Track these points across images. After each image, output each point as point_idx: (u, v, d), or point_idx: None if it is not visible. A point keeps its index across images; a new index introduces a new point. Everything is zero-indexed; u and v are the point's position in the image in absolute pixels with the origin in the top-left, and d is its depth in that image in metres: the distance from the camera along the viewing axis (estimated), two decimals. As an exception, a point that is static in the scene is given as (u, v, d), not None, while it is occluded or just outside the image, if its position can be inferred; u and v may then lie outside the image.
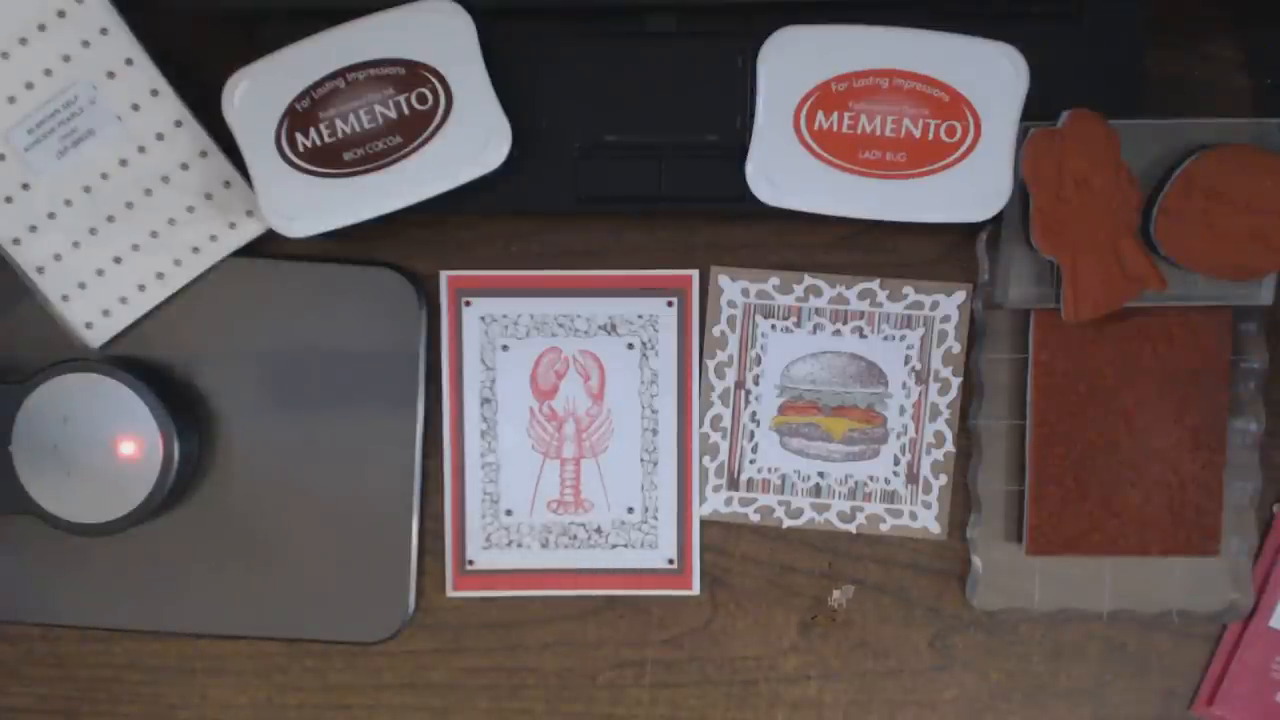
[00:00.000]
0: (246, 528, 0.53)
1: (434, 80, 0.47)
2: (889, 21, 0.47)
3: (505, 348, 0.53)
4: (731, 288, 0.53)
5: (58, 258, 0.51)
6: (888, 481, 0.53)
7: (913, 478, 0.53)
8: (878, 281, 0.52)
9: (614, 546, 0.54)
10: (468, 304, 0.53)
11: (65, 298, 0.51)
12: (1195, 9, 0.51)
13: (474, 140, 0.48)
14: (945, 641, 0.54)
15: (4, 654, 0.55)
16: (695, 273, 0.53)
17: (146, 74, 0.49)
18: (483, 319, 0.53)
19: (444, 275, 0.53)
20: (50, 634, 0.55)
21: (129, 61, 0.49)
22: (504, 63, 0.48)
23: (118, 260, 0.51)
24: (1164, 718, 0.54)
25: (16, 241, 0.50)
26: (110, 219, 0.50)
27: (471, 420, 0.53)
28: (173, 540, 0.53)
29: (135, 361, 0.52)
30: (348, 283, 0.52)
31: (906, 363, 0.53)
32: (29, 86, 0.49)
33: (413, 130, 0.48)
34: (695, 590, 0.54)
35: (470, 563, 0.54)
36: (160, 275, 0.51)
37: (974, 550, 0.53)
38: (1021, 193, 0.48)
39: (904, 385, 0.53)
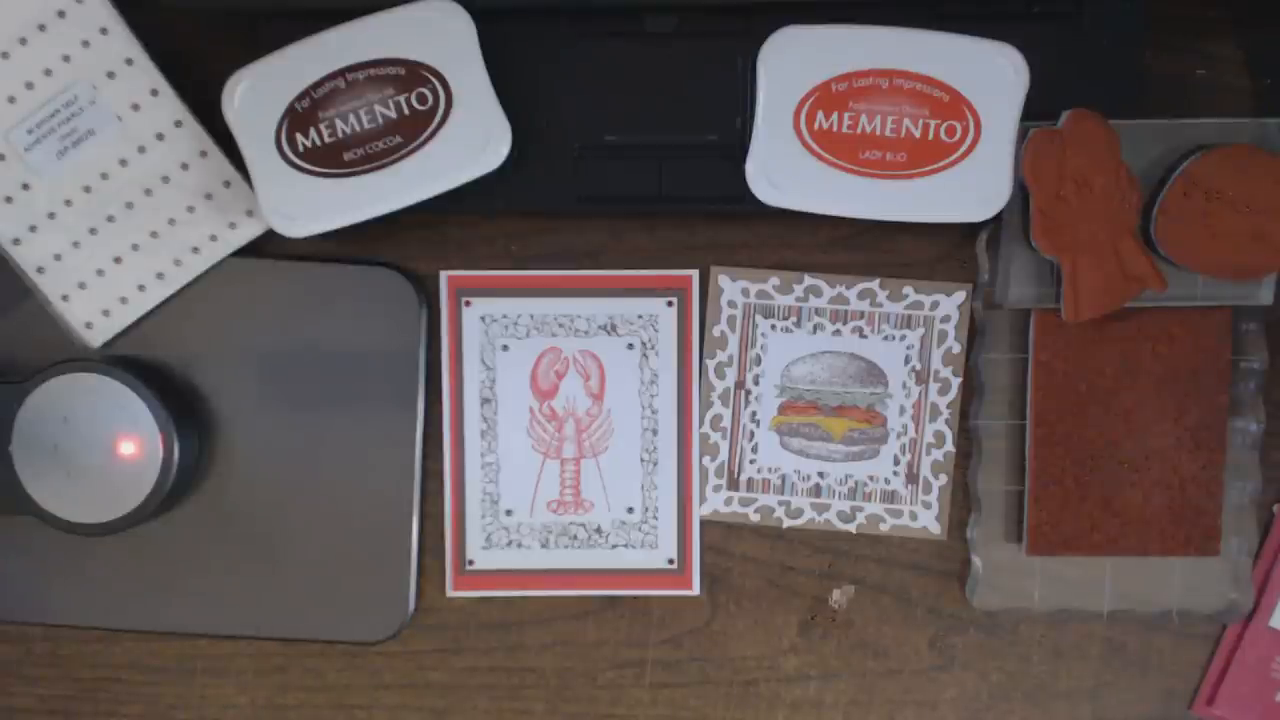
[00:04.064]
0: (246, 528, 0.53)
1: (434, 80, 0.47)
2: (889, 21, 0.47)
3: (505, 348, 0.53)
4: (731, 288, 0.53)
5: (58, 258, 0.51)
6: (888, 481, 0.53)
7: (913, 478, 0.53)
8: (878, 281, 0.52)
9: (614, 546, 0.54)
10: (468, 304, 0.53)
11: (65, 298, 0.51)
12: (1195, 9, 0.51)
13: (474, 140, 0.48)
14: (945, 641, 0.54)
15: (4, 654, 0.55)
16: (695, 273, 0.53)
17: (146, 74, 0.49)
18: (483, 319, 0.53)
19: (444, 275, 0.53)
20: (50, 634, 0.55)
21: (129, 61, 0.49)
22: (504, 63, 0.48)
23: (118, 260, 0.51)
24: (1164, 718, 0.54)
25: (16, 241, 0.50)
26: (110, 219, 0.50)
27: (471, 420, 0.53)
28: (173, 540, 0.53)
29: (135, 361, 0.52)
30: (348, 283, 0.52)
31: (906, 363, 0.53)
32: (29, 86, 0.49)
33: (413, 130, 0.48)
34: (695, 590, 0.54)
35: (470, 563, 0.54)
36: (160, 275, 0.51)
37: (974, 550, 0.53)
38: (1021, 193, 0.48)
39: (904, 385, 0.53)
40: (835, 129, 0.47)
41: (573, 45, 0.49)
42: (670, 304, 0.53)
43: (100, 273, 0.51)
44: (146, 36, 0.49)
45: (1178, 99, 0.51)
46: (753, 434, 0.53)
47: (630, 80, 0.49)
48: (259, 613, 0.53)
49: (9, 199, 0.50)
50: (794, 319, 0.53)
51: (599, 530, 0.54)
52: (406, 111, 0.47)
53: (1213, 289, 0.49)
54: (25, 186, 0.50)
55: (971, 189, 0.48)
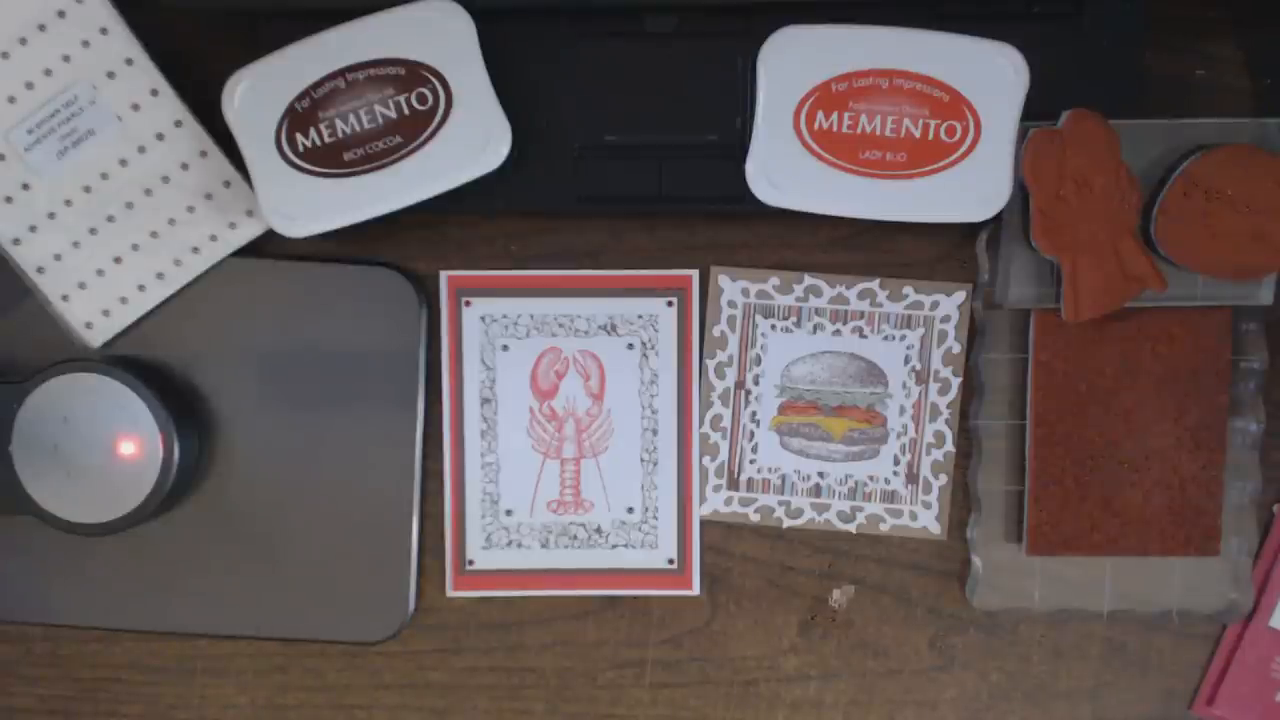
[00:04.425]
0: (246, 528, 0.53)
1: (434, 80, 0.47)
2: (889, 21, 0.47)
3: (505, 348, 0.53)
4: (731, 288, 0.53)
5: (58, 258, 0.51)
6: (888, 481, 0.53)
7: (913, 478, 0.53)
8: (878, 281, 0.52)
9: (614, 546, 0.54)
10: (468, 304, 0.53)
11: (65, 298, 0.51)
12: (1195, 9, 0.51)
13: (474, 140, 0.48)
14: (945, 641, 0.54)
15: (4, 654, 0.55)
16: (695, 273, 0.53)
17: (146, 74, 0.49)
18: (483, 319, 0.53)
19: (444, 275, 0.53)
20: (50, 634, 0.55)
21: (129, 61, 0.49)
22: (504, 63, 0.48)
23: (118, 260, 0.51)
24: (1164, 718, 0.54)
25: (16, 241, 0.50)
26: (110, 219, 0.50)
27: (471, 420, 0.53)
28: (173, 540, 0.53)
29: (135, 361, 0.52)
30: (348, 283, 0.52)
31: (906, 363, 0.53)
32: (29, 86, 0.49)
33: (413, 130, 0.48)
34: (695, 590, 0.54)
35: (470, 563, 0.54)
36: (160, 275, 0.51)
37: (974, 550, 0.53)
38: (1021, 193, 0.48)
39: (904, 385, 0.53)
40: (835, 129, 0.47)
41: (573, 45, 0.49)
42: (670, 304, 0.53)
43: (100, 273, 0.51)
44: (146, 36, 0.49)
45: (1178, 99, 0.51)
46: (753, 434, 0.53)
47: (630, 80, 0.49)
48: (259, 613, 0.53)
49: (9, 199, 0.50)
50: (794, 319, 0.53)
51: (599, 530, 0.54)
52: (406, 111, 0.47)
53: (1213, 289, 0.49)
54: (25, 186, 0.50)
55: (971, 189, 0.48)
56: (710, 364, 0.53)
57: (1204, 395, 0.50)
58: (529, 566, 0.54)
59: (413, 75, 0.47)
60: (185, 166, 0.50)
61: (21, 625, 0.54)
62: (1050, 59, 0.47)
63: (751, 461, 0.53)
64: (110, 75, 0.49)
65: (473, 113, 0.47)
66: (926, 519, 0.53)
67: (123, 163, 0.50)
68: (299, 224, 0.48)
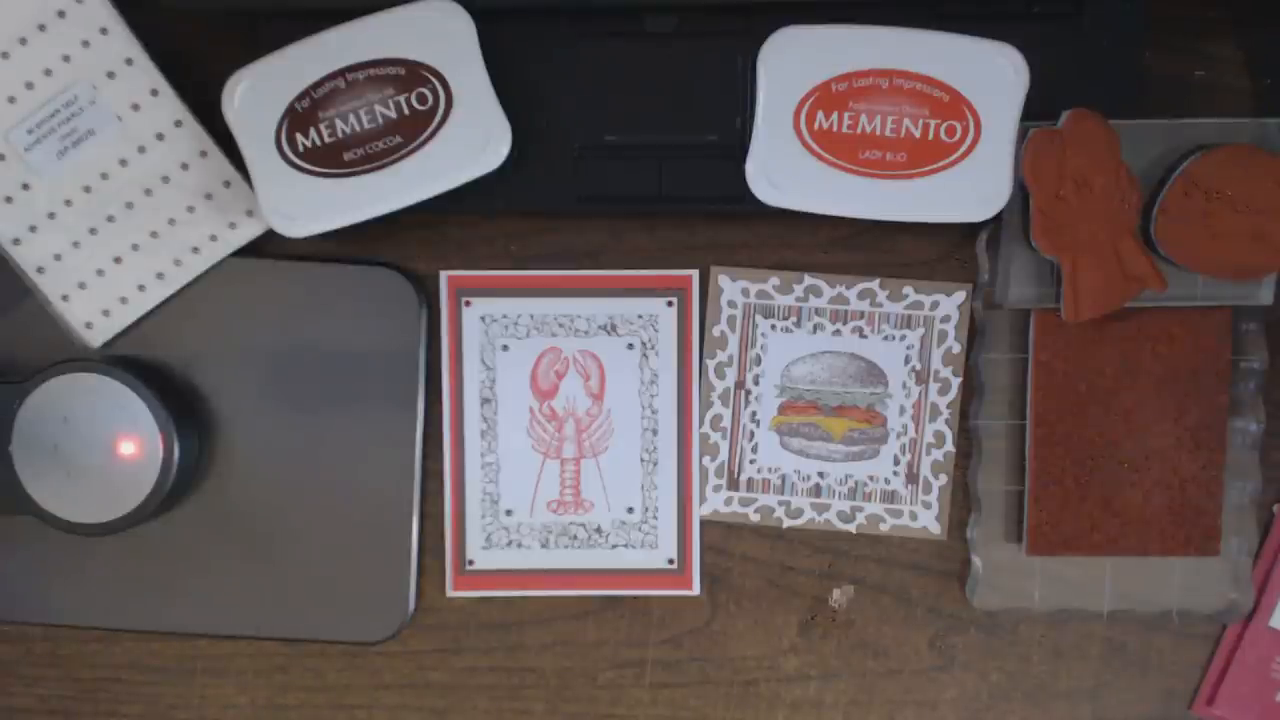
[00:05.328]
0: (246, 528, 0.53)
1: (434, 80, 0.47)
2: (889, 21, 0.47)
3: (505, 348, 0.53)
4: (731, 288, 0.53)
5: (58, 258, 0.51)
6: (888, 481, 0.53)
7: (913, 478, 0.53)
8: (878, 281, 0.52)
9: (614, 546, 0.54)
10: (468, 304, 0.53)
11: (65, 298, 0.51)
12: (1195, 9, 0.51)
13: (474, 140, 0.48)
14: (945, 641, 0.54)
15: (4, 654, 0.55)
16: (695, 273, 0.53)
17: (146, 74, 0.49)
18: (483, 319, 0.53)
19: (444, 275, 0.53)
20: (50, 634, 0.55)
21: (129, 61, 0.49)
22: (504, 63, 0.48)
23: (118, 260, 0.51)
24: (1164, 718, 0.54)
25: (16, 241, 0.50)
26: (110, 219, 0.50)
27: (471, 420, 0.53)
28: (173, 540, 0.53)
29: (135, 361, 0.52)
30: (348, 283, 0.52)
31: (906, 363, 0.53)
32: (29, 86, 0.49)
33: (413, 130, 0.48)
34: (695, 590, 0.54)
35: (470, 563, 0.54)
36: (160, 275, 0.51)
37: (974, 550, 0.53)
38: (1021, 193, 0.48)
39: (904, 385, 0.53)
40: (835, 129, 0.47)
41: (573, 45, 0.49)
42: (670, 304, 0.53)
43: (100, 273, 0.51)
44: (146, 36, 0.49)
45: (1178, 99, 0.51)
46: (753, 434, 0.53)
47: (630, 80, 0.49)
48: (259, 613, 0.53)
49: (9, 199, 0.50)
50: (794, 319, 0.53)
51: (599, 530, 0.54)
52: (406, 111, 0.47)
53: (1213, 289, 0.49)
54: (25, 186, 0.50)
55: (971, 189, 0.48)
56: (710, 364, 0.53)
57: (1204, 395, 0.50)
58: (529, 566, 0.54)
59: (413, 75, 0.47)
60: (185, 166, 0.50)
61: (21, 625, 0.54)
62: (1050, 59, 0.47)
63: (751, 461, 0.53)
64: (110, 75, 0.49)
65: (473, 113, 0.47)
66: (926, 519, 0.53)
67: (123, 163, 0.50)
68: (299, 224, 0.48)
